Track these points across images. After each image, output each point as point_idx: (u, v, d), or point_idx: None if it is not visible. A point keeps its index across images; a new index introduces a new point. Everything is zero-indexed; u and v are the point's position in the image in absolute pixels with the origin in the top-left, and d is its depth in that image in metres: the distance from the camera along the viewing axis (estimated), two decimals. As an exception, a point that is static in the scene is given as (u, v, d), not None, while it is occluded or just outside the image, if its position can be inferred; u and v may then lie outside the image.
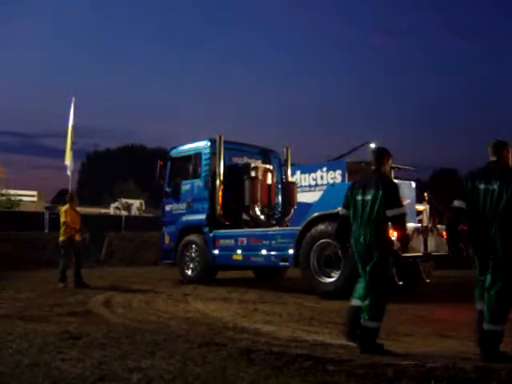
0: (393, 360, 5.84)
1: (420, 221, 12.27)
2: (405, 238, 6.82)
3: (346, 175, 17.02)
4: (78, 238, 14.16)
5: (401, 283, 11.47)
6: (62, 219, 13.99)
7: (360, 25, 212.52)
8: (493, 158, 6.40)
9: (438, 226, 12.31)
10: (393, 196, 6.55)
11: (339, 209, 7.18)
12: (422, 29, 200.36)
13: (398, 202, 6.54)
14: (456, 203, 6.49)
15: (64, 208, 14.37)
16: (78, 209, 14.89)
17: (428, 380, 5.04)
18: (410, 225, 11.71)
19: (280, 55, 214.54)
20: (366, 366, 5.53)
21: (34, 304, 10.54)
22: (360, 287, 6.81)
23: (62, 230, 14.01)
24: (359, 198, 6.70)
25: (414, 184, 12.74)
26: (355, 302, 6.77)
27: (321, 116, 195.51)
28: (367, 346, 6.39)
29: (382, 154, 7.00)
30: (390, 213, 6.49)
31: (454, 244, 6.72)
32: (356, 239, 6.72)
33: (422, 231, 11.84)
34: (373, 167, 6.93)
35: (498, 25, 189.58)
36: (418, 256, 11.81)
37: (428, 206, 12.46)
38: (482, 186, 6.22)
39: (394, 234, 11.21)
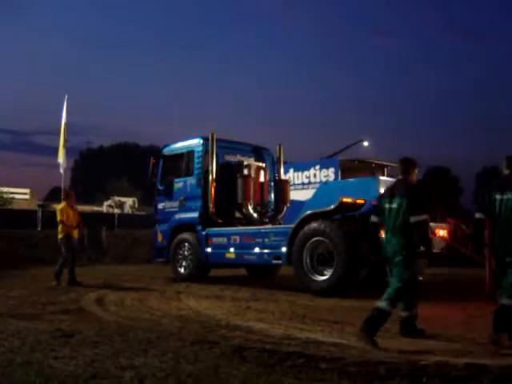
0: (385, 358, 5.86)
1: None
2: (427, 241, 7.23)
3: (339, 173, 17.05)
4: (75, 235, 14.14)
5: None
6: (58, 218, 13.94)
7: (357, 24, 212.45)
8: (506, 172, 7.07)
9: (431, 223, 12.33)
10: (416, 203, 7.00)
11: (371, 216, 7.72)
12: (418, 29, 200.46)
13: (420, 209, 6.99)
14: (477, 215, 7.23)
15: (60, 206, 14.31)
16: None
17: (420, 377, 5.06)
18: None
19: (275, 54, 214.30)
20: (358, 363, 5.56)
21: (27, 302, 10.52)
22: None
23: (59, 228, 13.97)
24: (387, 205, 7.24)
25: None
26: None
27: (314, 114, 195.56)
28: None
29: (408, 163, 7.45)
30: (412, 219, 6.96)
31: (478, 249, 7.76)
32: (385, 244, 7.31)
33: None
34: (399, 176, 7.42)
35: (497, 25, 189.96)
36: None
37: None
38: (498, 197, 6.88)
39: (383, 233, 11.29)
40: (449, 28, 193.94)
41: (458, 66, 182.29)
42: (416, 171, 7.49)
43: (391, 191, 7.34)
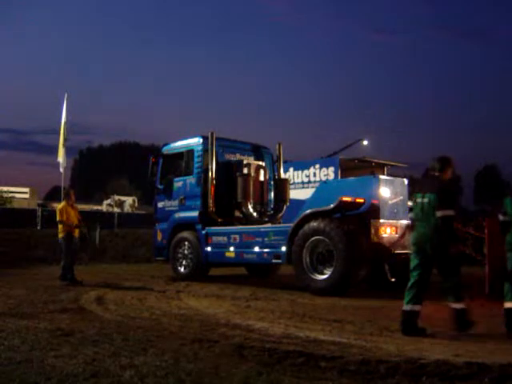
0: (385, 356, 5.86)
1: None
2: (452, 236, 7.42)
3: (339, 172, 17.05)
4: (76, 234, 14.12)
5: (393, 280, 11.51)
6: (58, 218, 13.91)
7: (356, 23, 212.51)
8: None
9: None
10: (444, 199, 7.34)
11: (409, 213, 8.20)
12: (415, 27, 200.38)
13: (447, 205, 7.30)
14: (501, 218, 7.84)
15: (60, 206, 14.26)
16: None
17: (420, 376, 5.07)
18: (403, 222, 11.77)
19: (274, 54, 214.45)
20: (358, 362, 5.56)
21: (27, 301, 10.51)
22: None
23: (59, 228, 13.95)
24: (419, 200, 7.58)
25: (406, 181, 12.75)
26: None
27: (314, 113, 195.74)
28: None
29: (445, 162, 7.78)
30: (438, 213, 7.28)
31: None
32: (416, 235, 7.64)
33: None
34: (436, 173, 7.72)
35: (492, 24, 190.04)
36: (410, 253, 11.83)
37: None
38: None
39: (386, 231, 11.32)
40: (450, 27, 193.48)
41: (453, 65, 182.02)
42: (451, 170, 7.79)
43: (424, 186, 7.73)
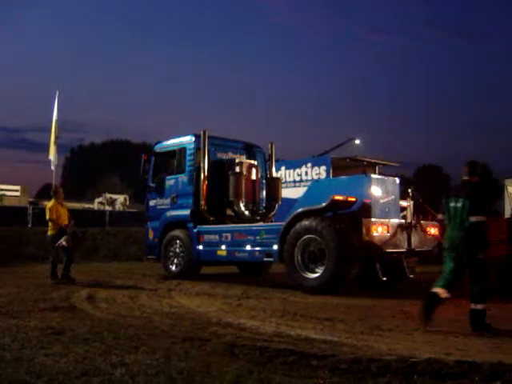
0: (376, 355, 5.87)
1: (404, 217, 12.31)
2: (483, 240, 7.69)
3: (331, 171, 17.07)
4: (69, 230, 13.99)
5: (385, 279, 11.53)
6: (48, 216, 13.78)
7: (347, 21, 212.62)
8: None
9: (422, 222, 12.38)
10: (477, 205, 7.64)
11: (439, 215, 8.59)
12: (408, 26, 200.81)
13: (480, 211, 7.62)
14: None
15: (49, 205, 14.10)
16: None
17: (411, 374, 5.08)
18: (394, 221, 11.79)
19: (265, 52, 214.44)
20: (350, 360, 5.57)
21: (17, 299, 10.47)
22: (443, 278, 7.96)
23: (50, 225, 13.83)
24: (452, 204, 7.86)
25: (398, 180, 12.78)
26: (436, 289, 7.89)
27: (306, 112, 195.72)
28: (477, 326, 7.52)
29: (474, 166, 8.08)
30: (472, 219, 7.58)
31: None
32: (448, 239, 7.89)
33: (406, 227, 11.89)
34: (465, 178, 8.00)
35: (487, 24, 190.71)
36: (402, 252, 11.86)
37: (412, 203, 12.51)
38: None
39: (378, 230, 11.34)
40: (445, 27, 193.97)
41: (445, 65, 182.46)
42: (479, 173, 8.11)
43: (456, 191, 8.01)
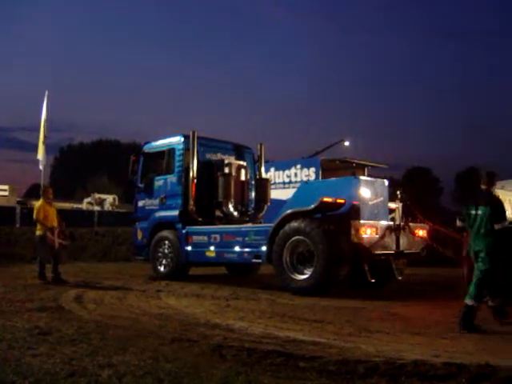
0: (364, 356, 5.88)
1: (393, 219, 12.33)
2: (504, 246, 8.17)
3: (320, 173, 17.07)
4: (56, 234, 13.83)
5: (373, 281, 11.55)
6: (35, 216, 13.66)
7: (339, 21, 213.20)
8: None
9: (410, 224, 12.41)
10: (499, 212, 8.09)
11: (457, 221, 8.87)
12: (401, 28, 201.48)
13: (503, 218, 8.08)
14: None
15: (38, 204, 13.99)
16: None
17: (398, 376, 5.10)
18: (383, 223, 11.82)
19: (254, 53, 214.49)
20: (338, 362, 5.58)
21: (5, 299, 10.41)
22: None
23: (38, 225, 13.70)
24: (473, 212, 8.26)
25: (386, 182, 12.81)
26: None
27: (296, 113, 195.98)
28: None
29: (493, 176, 8.55)
30: (497, 226, 7.99)
31: None
32: (471, 245, 8.31)
33: (395, 229, 11.92)
34: (483, 186, 8.41)
35: (474, 24, 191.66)
36: (390, 254, 11.89)
37: (401, 205, 12.54)
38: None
39: (366, 232, 11.37)
40: (432, 28, 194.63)
41: (433, 66, 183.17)
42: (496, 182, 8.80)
43: (476, 199, 8.37)
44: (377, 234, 11.48)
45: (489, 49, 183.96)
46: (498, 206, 8.12)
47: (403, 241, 12.06)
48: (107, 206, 43.12)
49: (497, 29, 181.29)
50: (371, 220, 11.71)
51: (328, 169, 17.14)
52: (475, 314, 7.86)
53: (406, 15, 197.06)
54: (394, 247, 11.88)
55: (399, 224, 12.08)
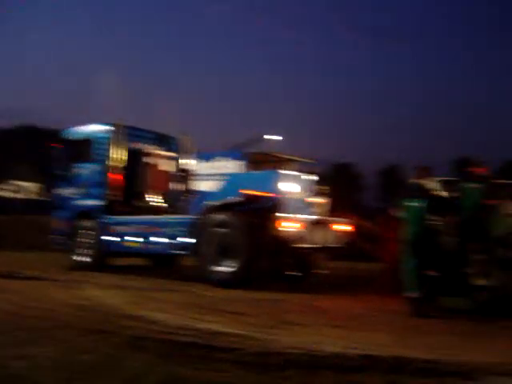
0: (282, 348, 5.91)
1: (316, 213, 12.44)
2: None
3: (246, 165, 17.04)
4: None
5: (295, 274, 11.65)
6: None
7: (270, 18, 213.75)
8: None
9: (334, 218, 12.56)
10: (433, 203, 8.74)
11: (393, 211, 9.62)
12: (322, 26, 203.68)
13: (439, 209, 8.89)
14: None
15: None
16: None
17: (316, 368, 5.14)
18: (306, 217, 11.92)
19: (185, 43, 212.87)
20: (256, 354, 5.60)
21: None
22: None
23: None
24: (410, 204, 8.83)
25: (311, 177, 12.91)
26: None
27: (223, 105, 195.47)
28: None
29: (429, 170, 9.28)
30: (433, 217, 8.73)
31: None
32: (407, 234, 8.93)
33: (318, 223, 12.03)
34: (415, 180, 9.03)
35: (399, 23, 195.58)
36: (313, 248, 12.00)
37: (325, 199, 12.68)
38: None
39: (288, 226, 11.42)
40: (353, 28, 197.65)
41: (359, 65, 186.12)
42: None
43: (411, 192, 8.93)
44: (299, 227, 11.56)
45: (415, 46, 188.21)
46: (435, 199, 8.61)
47: (326, 235, 12.19)
48: (27, 194, 42.08)
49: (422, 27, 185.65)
50: (294, 214, 11.79)
51: (254, 162, 17.11)
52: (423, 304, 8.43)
53: (329, 15, 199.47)
54: (316, 241, 11.99)
55: (322, 218, 12.21)
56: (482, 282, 9.00)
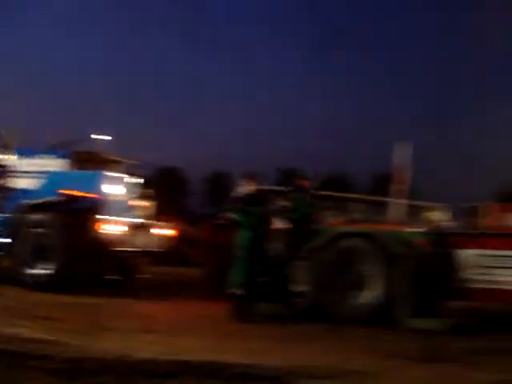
0: (96, 354, 5.77)
1: (140, 217, 12.33)
2: None
3: (70, 164, 16.49)
4: None
5: (115, 277, 11.49)
6: None
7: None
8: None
9: (157, 222, 12.51)
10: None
11: (228, 214, 9.60)
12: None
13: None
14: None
15: None
16: None
17: (128, 374, 5.07)
18: (127, 220, 11.80)
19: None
20: (68, 360, 5.41)
21: None
22: None
23: None
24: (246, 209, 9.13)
25: (136, 180, 12.78)
26: None
27: (49, 100, 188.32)
28: None
29: (251, 177, 9.39)
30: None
31: None
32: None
33: (140, 227, 11.94)
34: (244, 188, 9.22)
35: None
36: (134, 251, 11.89)
37: (149, 203, 12.62)
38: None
39: (108, 228, 11.24)
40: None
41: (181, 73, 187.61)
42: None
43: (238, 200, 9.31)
44: (120, 230, 11.42)
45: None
46: (261, 205, 9.05)
47: (148, 239, 12.12)
48: None
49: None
50: (115, 216, 11.61)
51: (78, 161, 16.61)
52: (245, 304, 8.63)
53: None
54: (137, 245, 11.89)
55: (145, 222, 12.13)
56: (299, 288, 9.38)
